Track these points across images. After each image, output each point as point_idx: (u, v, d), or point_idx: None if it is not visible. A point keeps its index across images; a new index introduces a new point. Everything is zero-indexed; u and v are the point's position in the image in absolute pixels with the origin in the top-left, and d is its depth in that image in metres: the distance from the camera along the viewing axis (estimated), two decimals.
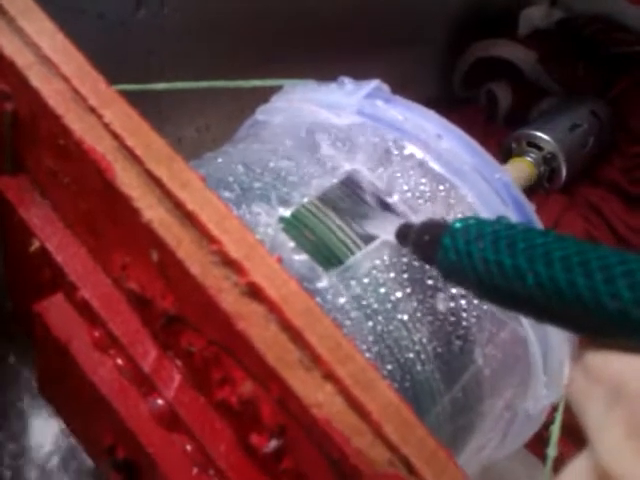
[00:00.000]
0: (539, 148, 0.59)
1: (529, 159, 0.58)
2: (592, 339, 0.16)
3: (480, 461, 0.36)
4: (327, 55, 0.55)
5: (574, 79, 0.68)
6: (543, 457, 0.38)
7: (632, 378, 0.15)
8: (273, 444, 0.21)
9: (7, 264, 0.31)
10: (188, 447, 0.23)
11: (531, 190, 0.58)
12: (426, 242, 0.23)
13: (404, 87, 0.36)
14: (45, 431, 0.42)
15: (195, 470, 0.23)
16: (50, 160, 0.25)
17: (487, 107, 0.70)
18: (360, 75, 0.35)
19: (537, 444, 0.41)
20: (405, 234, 0.26)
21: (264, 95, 0.37)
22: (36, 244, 0.25)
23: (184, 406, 0.23)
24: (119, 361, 0.24)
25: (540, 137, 0.59)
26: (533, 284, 0.17)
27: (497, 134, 0.66)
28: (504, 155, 0.61)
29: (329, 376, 0.19)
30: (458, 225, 0.21)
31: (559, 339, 0.31)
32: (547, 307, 0.17)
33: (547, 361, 0.31)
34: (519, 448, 0.39)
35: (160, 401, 0.23)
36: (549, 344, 0.31)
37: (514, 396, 0.32)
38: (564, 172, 0.59)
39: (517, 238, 0.18)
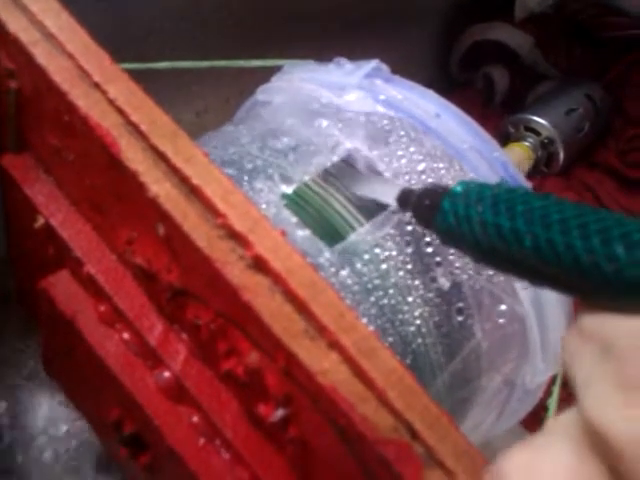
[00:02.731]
0: (537, 133, 0.59)
1: (527, 144, 0.58)
2: (587, 301, 0.16)
3: (478, 438, 0.37)
4: (325, 37, 0.55)
5: (570, 63, 0.68)
6: None
7: (623, 336, 0.15)
8: (279, 413, 0.21)
9: (11, 243, 0.31)
10: (195, 419, 0.23)
11: (529, 175, 0.59)
12: (426, 206, 0.23)
13: (401, 70, 0.36)
14: (43, 414, 0.42)
15: (202, 441, 0.23)
16: (54, 137, 0.25)
17: (484, 90, 0.70)
18: (357, 57, 0.35)
19: (533, 422, 0.42)
20: (406, 198, 0.26)
21: (263, 78, 0.37)
22: (41, 220, 0.26)
23: (190, 378, 0.23)
24: (125, 335, 0.24)
25: (538, 122, 0.59)
26: (530, 246, 0.17)
27: (494, 118, 0.66)
28: (502, 140, 0.61)
29: (334, 345, 0.20)
30: (458, 189, 0.21)
31: (557, 314, 0.31)
32: (544, 269, 0.17)
33: (544, 336, 0.32)
34: (515, 425, 0.39)
35: (167, 374, 0.23)
36: (547, 319, 0.31)
37: (512, 371, 0.33)
38: (562, 156, 0.59)
39: (516, 201, 0.19)
